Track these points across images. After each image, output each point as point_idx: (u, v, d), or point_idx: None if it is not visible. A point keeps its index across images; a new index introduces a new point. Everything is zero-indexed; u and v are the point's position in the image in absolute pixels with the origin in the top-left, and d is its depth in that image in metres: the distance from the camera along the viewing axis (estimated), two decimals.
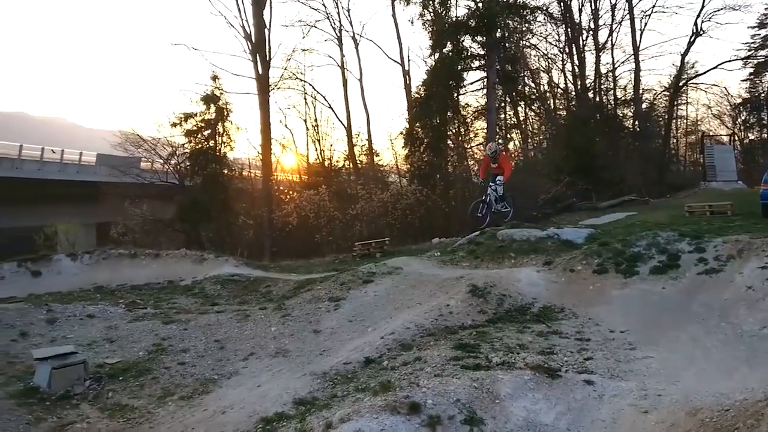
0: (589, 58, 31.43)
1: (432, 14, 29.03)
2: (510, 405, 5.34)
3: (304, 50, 32.22)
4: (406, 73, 32.50)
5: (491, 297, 9.37)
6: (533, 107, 32.83)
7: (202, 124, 28.63)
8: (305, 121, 33.14)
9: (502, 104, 31.25)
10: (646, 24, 30.61)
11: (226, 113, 29.06)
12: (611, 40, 31.32)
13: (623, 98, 31.89)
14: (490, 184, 12.89)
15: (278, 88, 31.12)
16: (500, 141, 12.27)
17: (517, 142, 32.31)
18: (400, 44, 32.35)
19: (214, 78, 28.87)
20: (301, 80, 32.39)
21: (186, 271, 15.04)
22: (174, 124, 28.50)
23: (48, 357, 7.29)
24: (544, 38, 31.78)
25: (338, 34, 32.72)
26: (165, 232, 28.22)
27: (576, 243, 12.09)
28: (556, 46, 32.30)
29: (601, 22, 31.23)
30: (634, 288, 8.91)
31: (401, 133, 30.36)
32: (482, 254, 12.63)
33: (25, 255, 15.19)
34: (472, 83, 29.84)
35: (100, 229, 32.80)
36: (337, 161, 33.27)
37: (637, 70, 30.34)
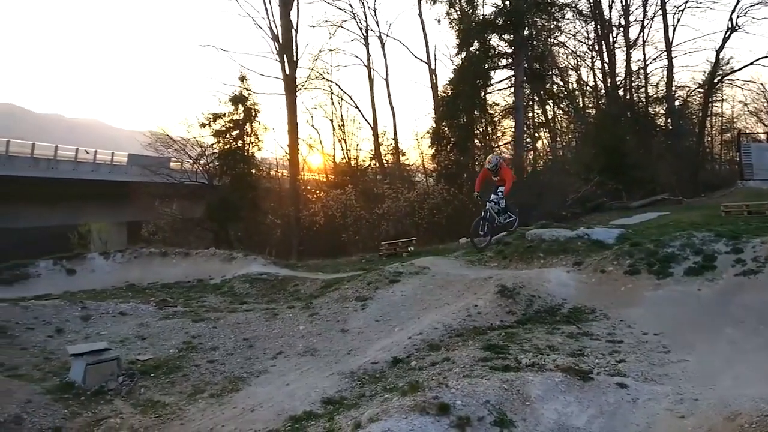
0: (620, 56, 30.79)
1: (459, 13, 28.87)
2: (540, 407, 5.25)
3: (330, 50, 32.34)
4: (432, 72, 32.37)
5: (520, 298, 9.26)
6: (561, 106, 32.33)
7: (231, 125, 28.99)
8: (332, 120, 33.28)
9: (530, 103, 30.86)
10: (679, 20, 29.80)
11: (254, 113, 29.38)
12: (643, 36, 30.61)
13: (655, 96, 31.13)
14: (492, 196, 11.70)
15: (305, 89, 31.31)
16: (500, 153, 11.54)
17: (545, 141, 31.91)
18: (427, 43, 32.24)
19: (242, 79, 29.23)
20: (328, 80, 32.51)
21: (215, 270, 15.21)
22: (203, 125, 28.97)
23: (83, 353, 7.46)
24: (573, 36, 31.24)
25: (364, 34, 32.75)
26: (194, 231, 28.67)
27: (607, 243, 11.85)
28: (585, 43, 31.73)
29: (632, 18, 30.55)
30: (668, 289, 8.70)
31: (428, 132, 30.24)
32: (510, 254, 12.48)
33: (60, 253, 15.57)
34: (499, 82, 29.58)
35: (131, 228, 33.52)
36: (363, 161, 33.31)
37: (669, 67, 29.60)
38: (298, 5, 29.36)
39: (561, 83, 31.86)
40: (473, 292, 9.92)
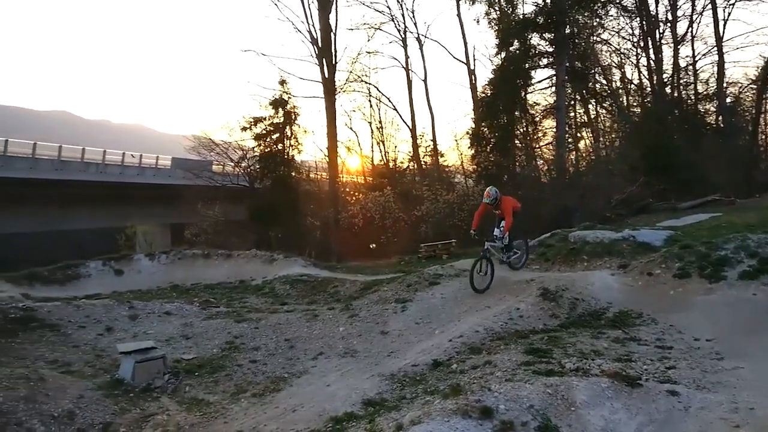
0: (667, 52, 29.74)
1: (498, 12, 28.53)
2: (587, 413, 5.10)
3: (369, 53, 32.54)
4: (471, 73, 32.13)
5: (563, 301, 9.09)
6: (605, 105, 31.49)
7: (271, 128, 29.42)
8: (370, 123, 33.44)
9: (572, 102, 30.18)
10: (729, 14, 28.56)
11: (293, 117, 29.72)
12: (691, 31, 29.49)
13: (705, 93, 29.95)
14: (495, 231, 10.51)
15: (344, 91, 31.53)
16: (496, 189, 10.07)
17: (587, 141, 31.13)
18: (466, 44, 32.02)
19: (282, 83, 29.60)
20: (366, 83, 32.69)
21: (256, 271, 15.48)
22: (244, 128, 29.50)
23: (131, 351, 7.69)
24: (617, 33, 30.36)
25: (403, 36, 32.78)
26: (236, 233, 29.16)
27: (654, 245, 11.50)
28: (629, 40, 30.78)
29: (679, 12, 29.46)
30: (721, 294, 8.35)
31: (467, 133, 29.99)
32: (553, 257, 12.27)
33: (108, 254, 16.11)
34: (540, 81, 29.02)
35: (175, 229, 34.32)
36: (401, 162, 33.35)
37: (720, 63, 28.42)
38: (336, 9, 29.60)
39: (604, 82, 31.05)
40: (515, 295, 9.79)
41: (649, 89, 30.42)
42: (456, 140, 33.09)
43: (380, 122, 33.25)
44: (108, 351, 8.68)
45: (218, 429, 6.08)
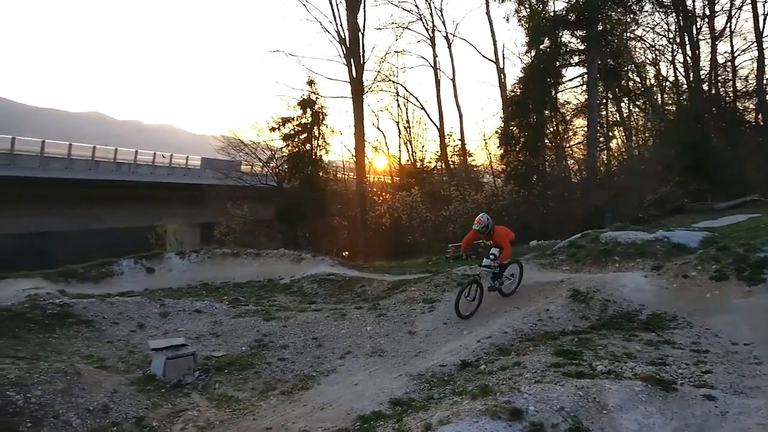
0: (704, 48, 29.00)
1: (528, 10, 28.21)
2: (619, 417, 5.00)
3: (396, 52, 32.59)
4: (500, 72, 31.89)
5: (594, 302, 8.92)
6: (638, 103, 30.88)
7: (299, 128, 29.67)
8: (397, 122, 33.45)
9: (604, 101, 29.67)
10: None
11: (321, 117, 29.93)
12: (730, 26, 28.68)
13: (744, 90, 29.11)
14: (484, 260, 9.45)
15: (371, 91, 31.65)
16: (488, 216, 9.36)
17: (620, 140, 30.52)
18: (495, 42, 31.79)
19: (310, 83, 29.83)
20: (394, 82, 32.72)
21: (285, 270, 15.57)
22: (272, 129, 29.80)
23: (163, 348, 7.82)
24: (652, 29, 29.77)
25: (431, 35, 32.71)
26: (264, 232, 29.52)
27: (689, 247, 11.22)
28: (665, 36, 30.13)
29: (717, 7, 28.68)
30: (761, 297, 8.09)
31: (496, 132, 29.81)
32: (584, 258, 12.07)
33: (140, 253, 16.43)
34: (571, 80, 28.68)
35: (204, 229, 34.90)
36: (429, 162, 33.26)
37: (760, 59, 27.53)
38: (365, 8, 29.73)
39: (637, 79, 30.46)
40: (544, 296, 9.66)
41: (685, 86, 29.75)
42: (484, 139, 32.95)
43: (408, 122, 33.28)
44: (140, 347, 8.85)
45: (247, 426, 6.14)
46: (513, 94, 28.74)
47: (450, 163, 32.48)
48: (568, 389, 5.31)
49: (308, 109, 29.61)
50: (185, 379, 7.56)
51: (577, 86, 28.66)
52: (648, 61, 30.85)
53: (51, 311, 9.59)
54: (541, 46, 26.95)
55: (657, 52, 30.59)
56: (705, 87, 28.78)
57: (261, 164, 31.29)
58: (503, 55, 32.20)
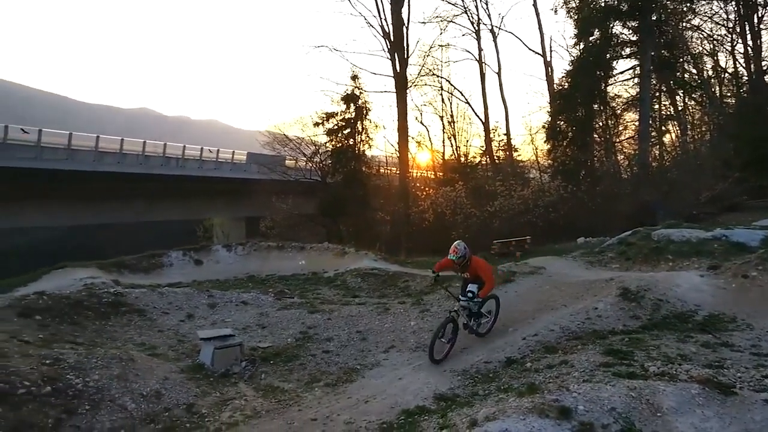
0: (765, 38, 27.69)
1: (577, 1, 27.52)
2: (674, 420, 4.81)
3: (441, 46, 32.30)
4: (548, 65, 31.28)
5: (645, 302, 8.65)
6: (694, 96, 29.65)
7: (343, 123, 29.85)
8: (441, 117, 33.20)
9: (657, 94, 28.62)
10: None
11: (365, 112, 30.01)
12: None
13: None
14: (461, 297, 8.05)
15: (415, 86, 31.52)
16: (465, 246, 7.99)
17: (673, 135, 29.41)
18: (542, 34, 31.28)
19: (354, 78, 29.94)
20: (438, 76, 32.47)
21: (328, 264, 15.75)
22: (316, 124, 30.09)
23: (211, 338, 8.04)
24: (709, 18, 28.51)
25: (476, 28, 32.30)
26: (308, 226, 29.83)
27: (749, 246, 10.75)
28: (723, 25, 28.79)
29: None
30: None
31: (543, 126, 29.24)
32: (634, 256, 11.75)
33: (189, 245, 16.89)
34: (622, 72, 27.88)
35: (249, 222, 35.54)
36: (473, 157, 32.89)
37: None
38: (409, 2, 29.66)
39: (694, 71, 29.27)
40: (592, 294, 9.44)
41: (745, 78, 28.40)
42: (531, 134, 32.37)
43: (452, 116, 32.99)
44: (189, 337, 9.11)
45: (293, 416, 6.22)
46: (560, 87, 28.16)
47: (495, 158, 32.06)
48: (620, 389, 5.15)
49: (352, 104, 29.73)
50: (232, 369, 7.75)
51: (628, 79, 27.87)
52: (705, 52, 29.59)
53: (106, 300, 10.00)
54: (591, 38, 26.30)
55: (715, 42, 29.29)
56: (767, 78, 27.37)
57: (305, 159, 31.66)
58: (550, 47, 31.73)
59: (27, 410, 5.76)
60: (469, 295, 7.95)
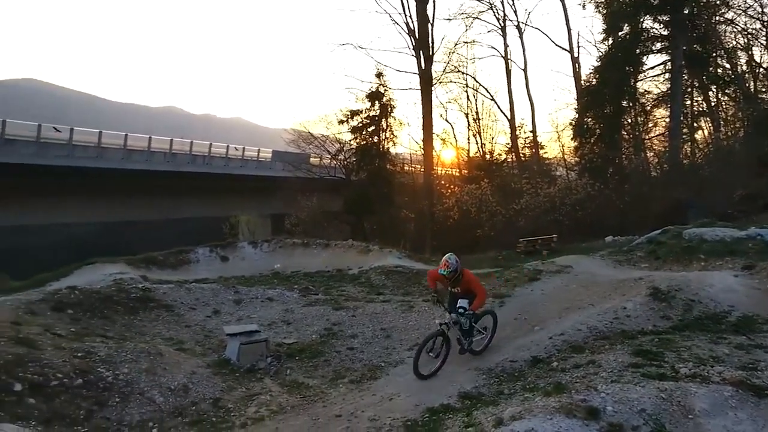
0: None
1: None
2: (706, 422, 4.70)
3: (466, 43, 32.06)
4: (575, 61, 30.80)
5: (676, 302, 8.45)
6: (727, 91, 28.81)
7: (367, 121, 29.90)
8: (466, 114, 32.95)
9: (689, 89, 27.94)
10: None
11: (389, 109, 30.01)
12: None
13: None
14: (459, 306, 7.32)
15: (440, 83, 31.35)
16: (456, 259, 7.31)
17: (706, 131, 28.66)
18: (569, 30, 30.69)
19: (379, 75, 29.97)
20: (463, 73, 32.23)
21: (353, 261, 15.77)
22: (341, 121, 30.20)
23: (237, 333, 8.13)
24: (743, 11, 27.64)
25: (502, 24, 31.97)
26: (332, 224, 29.94)
27: None
28: (758, 19, 27.87)
29: None
30: None
31: (570, 123, 28.87)
32: (664, 255, 11.51)
33: (215, 242, 17.09)
34: (652, 68, 27.33)
35: (274, 219, 35.79)
36: (499, 154, 32.62)
37: None
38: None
39: (727, 66, 28.40)
40: (621, 293, 9.26)
41: None
42: (557, 131, 31.95)
43: (477, 113, 32.73)
44: (215, 332, 9.24)
45: (318, 412, 6.25)
46: (588, 84, 27.76)
47: (521, 155, 31.74)
48: (649, 391, 5.05)
49: (376, 102, 29.76)
50: (258, 365, 7.82)
51: (658, 75, 27.31)
52: (739, 46, 28.69)
53: (135, 295, 10.19)
54: (620, 33, 25.89)
55: (749, 36, 28.38)
56: None
57: (329, 157, 31.78)
58: (578, 43, 31.21)
59: (60, 402, 5.91)
60: (460, 311, 7.24)
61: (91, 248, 17.84)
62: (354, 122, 29.94)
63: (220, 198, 33.60)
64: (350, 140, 30.61)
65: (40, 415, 5.63)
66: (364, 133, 29.93)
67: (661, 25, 25.94)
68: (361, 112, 29.91)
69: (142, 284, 11.02)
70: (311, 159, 33.04)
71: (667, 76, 26.40)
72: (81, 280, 11.41)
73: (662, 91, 26.96)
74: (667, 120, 26.25)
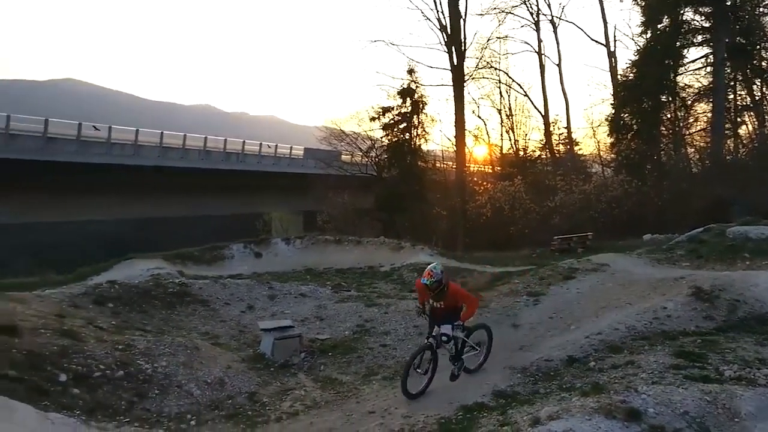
0: None
1: None
2: (753, 426, 4.56)
3: (499, 38, 31.65)
4: (611, 55, 30.07)
5: (720, 302, 8.17)
6: None
7: (399, 117, 29.78)
8: (499, 110, 32.57)
9: (732, 83, 27.01)
10: None
11: (421, 106, 29.82)
12: None
13: None
14: (442, 333, 6.45)
15: (473, 79, 31.07)
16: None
17: (750, 126, 27.68)
18: (605, 23, 29.98)
19: (410, 72, 29.76)
20: (496, 69, 31.86)
21: (384, 258, 15.75)
22: (372, 118, 30.11)
23: (271, 329, 8.22)
24: None
25: (535, 19, 31.46)
26: (364, 221, 30.00)
27: None
28: None
29: None
30: None
31: (606, 119, 28.24)
32: (707, 254, 11.16)
33: (249, 238, 17.30)
34: (693, 61, 26.52)
35: (306, 216, 36.09)
36: (532, 151, 32.17)
37: None
38: None
39: None
40: (661, 293, 9.00)
41: None
42: (593, 127, 31.27)
43: (510, 109, 32.33)
44: (250, 327, 9.36)
45: (351, 408, 6.27)
46: (625, 78, 27.10)
47: (555, 151, 31.23)
48: (693, 393, 4.91)
49: (408, 98, 29.63)
50: (292, 360, 7.91)
51: (700, 68, 26.52)
52: None
53: (172, 290, 10.40)
54: (659, 26, 25.24)
55: None
56: None
57: (361, 154, 31.81)
58: (614, 37, 30.26)
59: (102, 392, 6.09)
60: (444, 338, 6.41)
61: (126, 244, 18.22)
62: (385, 119, 29.86)
63: (252, 195, 34.03)
64: (382, 137, 30.58)
65: (84, 405, 5.79)
66: (395, 129, 29.84)
67: (703, 17, 25.21)
68: (393, 108, 29.82)
69: (179, 279, 11.21)
70: (342, 156, 33.16)
71: (708, 69, 25.66)
72: (120, 274, 11.67)
73: (704, 85, 26.18)
74: (709, 115, 25.49)
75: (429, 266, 6.52)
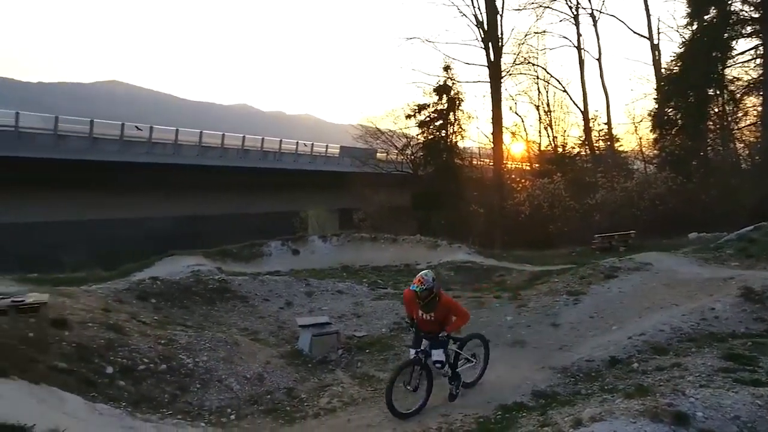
0: None
1: None
2: None
3: (537, 33, 31.09)
4: (654, 48, 29.19)
5: None
6: None
7: (435, 115, 29.67)
8: (537, 107, 32.03)
9: None
10: None
11: (457, 103, 29.65)
12: None
13: None
14: (434, 361, 6.02)
15: (510, 75, 30.62)
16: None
17: None
18: (648, 15, 29.11)
19: (446, 68, 29.62)
20: (534, 64, 31.31)
21: (420, 256, 15.73)
22: (408, 116, 30.11)
23: (309, 325, 8.28)
24: None
25: (575, 13, 30.79)
26: (400, 219, 29.95)
27: None
28: None
29: None
30: None
31: (648, 114, 27.45)
32: (758, 253, 10.78)
33: (286, 235, 17.51)
34: (742, 53, 25.49)
35: (342, 214, 36.28)
36: (571, 148, 31.54)
37: None
38: None
39: None
40: (708, 293, 8.73)
41: None
42: (634, 123, 30.39)
43: (548, 105, 31.77)
44: (288, 323, 9.46)
45: None
46: (669, 72, 26.31)
47: (595, 148, 30.54)
48: (743, 397, 4.71)
49: (444, 95, 29.48)
50: (329, 356, 7.95)
51: (749, 60, 25.48)
52: None
53: (212, 286, 10.60)
54: (706, 17, 24.35)
55: None
56: None
57: (396, 152, 31.79)
58: (658, 29, 29.36)
59: (146, 385, 6.26)
60: (437, 365, 5.98)
61: (166, 241, 18.67)
62: (421, 116, 29.81)
63: (289, 193, 34.39)
64: (417, 135, 30.54)
65: (130, 397, 5.97)
66: (431, 127, 29.73)
67: (752, 8, 24.22)
68: (429, 106, 29.73)
69: (219, 276, 11.43)
70: (378, 154, 33.19)
71: (758, 61, 24.67)
72: (162, 271, 11.98)
73: (753, 78, 25.16)
74: (759, 109, 24.50)
75: (420, 273, 6.08)
